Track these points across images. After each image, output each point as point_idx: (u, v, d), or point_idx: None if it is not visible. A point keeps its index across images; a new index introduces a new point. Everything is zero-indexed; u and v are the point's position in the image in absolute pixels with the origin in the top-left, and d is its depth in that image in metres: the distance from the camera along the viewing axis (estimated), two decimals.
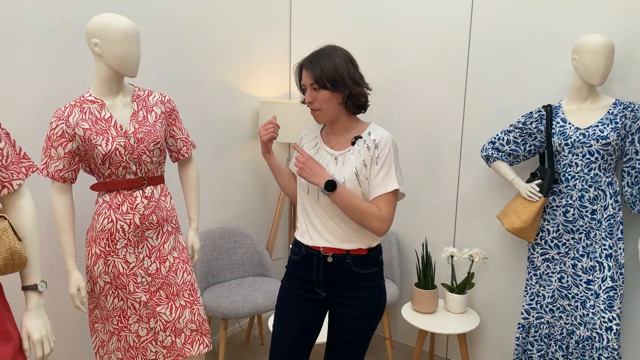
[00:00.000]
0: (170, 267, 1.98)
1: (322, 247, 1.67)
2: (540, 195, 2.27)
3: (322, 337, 2.36)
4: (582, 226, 2.22)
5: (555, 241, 2.29)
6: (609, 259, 2.14)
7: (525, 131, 2.36)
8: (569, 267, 2.27)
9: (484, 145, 2.49)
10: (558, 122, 2.26)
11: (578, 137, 2.18)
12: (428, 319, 2.57)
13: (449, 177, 2.83)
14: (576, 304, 2.26)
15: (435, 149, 2.86)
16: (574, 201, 2.21)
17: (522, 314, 2.39)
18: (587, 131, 2.18)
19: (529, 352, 2.41)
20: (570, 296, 2.28)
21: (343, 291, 1.68)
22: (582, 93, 2.23)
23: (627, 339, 2.42)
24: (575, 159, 2.20)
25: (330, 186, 1.57)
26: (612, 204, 2.16)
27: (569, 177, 2.22)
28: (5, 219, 1.29)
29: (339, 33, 3.12)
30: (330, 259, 1.66)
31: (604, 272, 2.15)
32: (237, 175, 3.10)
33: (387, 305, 2.72)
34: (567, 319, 2.31)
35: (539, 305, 2.36)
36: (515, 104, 2.57)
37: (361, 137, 1.63)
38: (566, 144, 2.20)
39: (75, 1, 2.17)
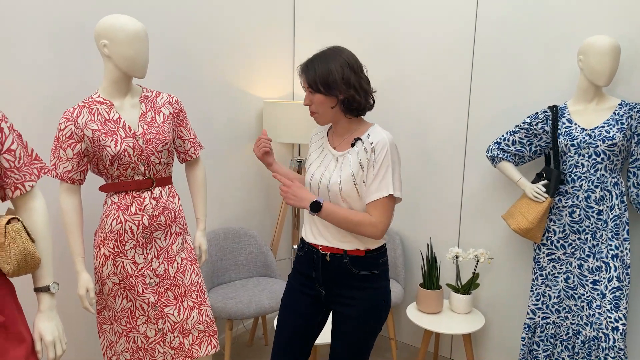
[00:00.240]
0: (179, 268, 1.98)
1: (321, 246, 1.70)
2: (546, 195, 2.27)
3: (327, 338, 2.36)
4: (588, 227, 2.22)
5: (562, 241, 2.30)
6: (615, 259, 2.15)
7: (530, 132, 2.37)
8: (575, 267, 2.28)
9: (490, 145, 2.49)
10: (564, 123, 2.27)
11: (584, 138, 2.19)
12: (433, 319, 2.58)
13: (453, 178, 2.84)
14: (582, 304, 2.26)
15: (440, 150, 2.86)
16: (580, 202, 2.22)
17: (528, 314, 2.40)
18: (593, 132, 2.18)
19: (534, 353, 2.41)
20: (576, 296, 2.29)
21: (342, 291, 1.70)
22: (588, 94, 2.23)
23: (633, 339, 2.43)
24: (582, 159, 2.20)
25: (315, 207, 1.61)
26: (618, 205, 2.17)
27: (575, 178, 2.23)
28: (19, 220, 1.29)
29: (343, 34, 3.12)
30: (328, 258, 1.69)
31: (610, 272, 2.16)
32: (241, 176, 3.11)
33: (391, 305, 2.72)
34: (573, 319, 2.32)
35: (545, 305, 2.37)
36: (520, 105, 2.57)
37: (361, 139, 1.64)
38: (572, 145, 2.21)
39: (81, 3, 2.16)
